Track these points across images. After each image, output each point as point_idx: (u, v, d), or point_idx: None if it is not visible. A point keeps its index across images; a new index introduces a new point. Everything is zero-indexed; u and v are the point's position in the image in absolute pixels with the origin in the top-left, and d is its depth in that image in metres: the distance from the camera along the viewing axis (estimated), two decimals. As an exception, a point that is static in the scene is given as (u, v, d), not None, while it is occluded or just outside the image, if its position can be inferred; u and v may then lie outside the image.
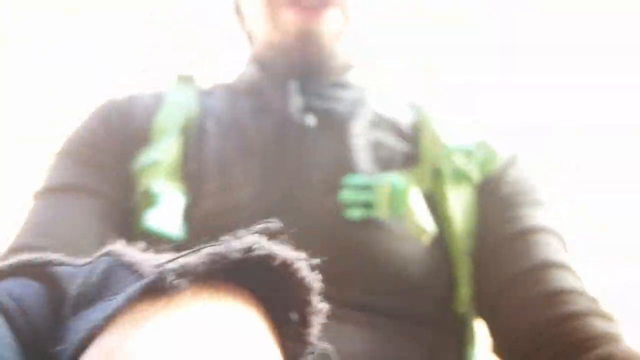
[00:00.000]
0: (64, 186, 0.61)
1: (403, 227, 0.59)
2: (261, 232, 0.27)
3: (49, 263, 0.31)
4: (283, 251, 0.27)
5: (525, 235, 0.60)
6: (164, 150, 0.62)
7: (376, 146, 0.63)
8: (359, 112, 0.65)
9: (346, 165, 0.61)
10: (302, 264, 0.27)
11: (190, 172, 0.61)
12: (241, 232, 0.27)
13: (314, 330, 0.29)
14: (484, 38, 1.33)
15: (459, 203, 0.63)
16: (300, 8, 0.59)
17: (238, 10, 0.71)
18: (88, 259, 0.29)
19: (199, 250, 0.25)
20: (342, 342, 0.50)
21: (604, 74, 1.27)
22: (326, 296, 0.52)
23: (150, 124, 0.65)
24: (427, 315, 0.59)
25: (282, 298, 0.28)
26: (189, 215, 0.58)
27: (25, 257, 0.31)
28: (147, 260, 0.26)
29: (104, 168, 0.63)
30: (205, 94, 0.70)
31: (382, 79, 0.76)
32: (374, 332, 0.54)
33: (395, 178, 0.60)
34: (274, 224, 0.28)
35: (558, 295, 0.55)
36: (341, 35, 0.62)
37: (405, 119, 0.67)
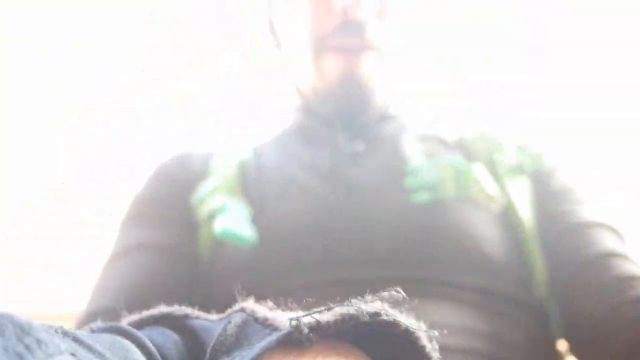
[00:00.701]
0: (131, 247, 0.63)
1: (471, 204, 0.60)
2: (386, 300, 0.29)
3: (187, 316, 0.33)
4: (406, 320, 0.28)
5: (585, 228, 0.62)
6: (223, 178, 0.66)
7: (427, 153, 0.67)
8: (404, 133, 0.70)
9: (404, 161, 0.64)
10: (423, 334, 0.29)
11: (250, 192, 0.65)
12: (368, 297, 0.29)
13: None
14: (515, 38, 1.32)
15: (518, 192, 0.65)
16: (342, 52, 0.64)
17: (288, 68, 0.76)
18: (221, 315, 0.32)
19: (330, 308, 0.27)
20: (441, 316, 0.53)
21: (637, 73, 1.26)
22: (411, 277, 0.53)
23: (208, 167, 0.69)
24: (512, 294, 0.59)
25: None
26: (255, 222, 0.61)
27: (164, 309, 0.34)
28: (280, 315, 0.28)
29: (168, 220, 0.65)
30: (255, 146, 0.75)
31: (421, 104, 0.79)
32: (466, 308, 0.55)
33: (455, 159, 0.63)
34: (398, 293, 0.29)
35: (627, 280, 0.57)
36: (379, 74, 0.67)
37: (449, 135, 0.71)
